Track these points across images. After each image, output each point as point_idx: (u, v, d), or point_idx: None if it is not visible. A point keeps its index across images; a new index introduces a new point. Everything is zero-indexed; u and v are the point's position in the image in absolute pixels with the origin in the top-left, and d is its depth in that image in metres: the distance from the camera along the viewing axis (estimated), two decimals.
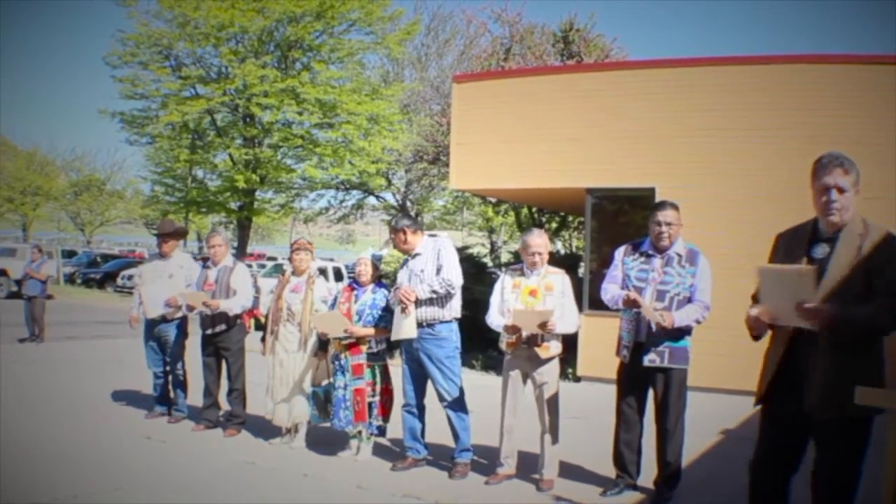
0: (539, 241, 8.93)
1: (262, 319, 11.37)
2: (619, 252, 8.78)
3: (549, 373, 8.86)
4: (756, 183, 15.48)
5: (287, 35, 36.38)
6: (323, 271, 13.00)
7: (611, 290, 8.57)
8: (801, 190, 14.71)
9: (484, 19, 36.87)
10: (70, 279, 50.23)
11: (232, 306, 11.26)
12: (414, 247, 9.59)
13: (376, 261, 10.32)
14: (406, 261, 9.70)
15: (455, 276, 9.29)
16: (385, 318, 9.71)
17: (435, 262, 9.36)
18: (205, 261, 12.25)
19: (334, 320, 9.86)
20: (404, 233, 9.59)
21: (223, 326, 11.26)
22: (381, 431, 10.05)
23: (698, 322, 8.27)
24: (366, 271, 10.06)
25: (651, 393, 8.52)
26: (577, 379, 16.45)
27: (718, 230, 15.13)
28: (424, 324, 9.28)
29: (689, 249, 8.44)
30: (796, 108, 15.40)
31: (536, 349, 8.71)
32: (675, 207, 8.49)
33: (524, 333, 8.67)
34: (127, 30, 37.12)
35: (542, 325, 8.47)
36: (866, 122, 14.90)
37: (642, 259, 8.49)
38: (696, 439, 10.23)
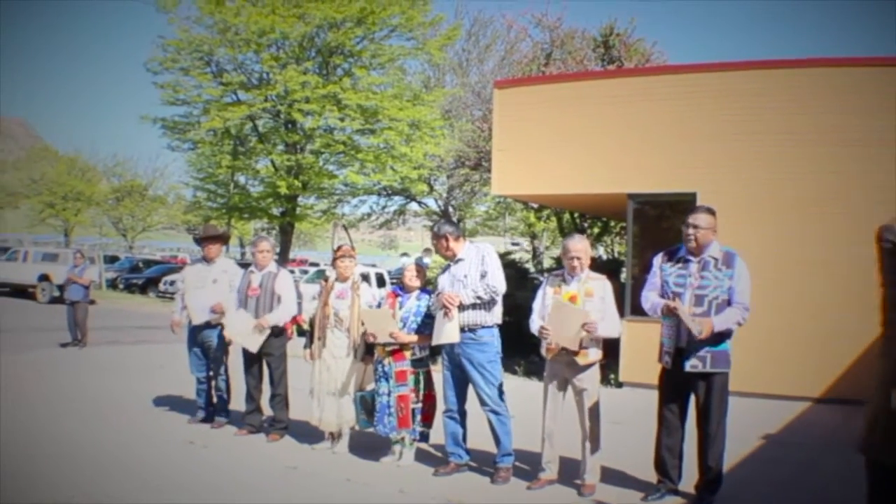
0: (579, 245, 8.95)
1: (305, 325, 11.36)
2: (658, 259, 8.80)
3: (588, 379, 8.89)
4: (800, 187, 15.49)
5: (328, 41, 36.25)
6: (365, 277, 13.03)
7: (650, 299, 8.59)
8: (848, 193, 14.80)
9: (524, 24, 36.74)
10: (112, 284, 50.44)
11: (281, 317, 11.34)
12: (456, 253, 9.59)
13: (423, 267, 10.37)
14: (448, 266, 9.70)
15: (500, 282, 9.31)
16: (429, 325, 9.69)
17: (479, 267, 9.35)
18: (247, 265, 12.27)
19: (383, 317, 9.92)
20: (446, 239, 9.58)
21: (266, 331, 11.27)
22: (424, 437, 10.09)
23: (739, 324, 8.24)
24: (417, 277, 10.12)
25: (692, 398, 8.51)
26: (620, 385, 16.43)
27: (761, 234, 15.11)
28: (467, 329, 9.28)
29: (726, 252, 8.42)
30: (844, 112, 15.41)
31: (575, 357, 8.74)
32: (708, 212, 8.49)
33: (555, 343, 8.72)
34: (167, 36, 37.06)
35: (584, 327, 8.52)
36: None
37: (679, 265, 8.50)
38: (738, 444, 10.19)
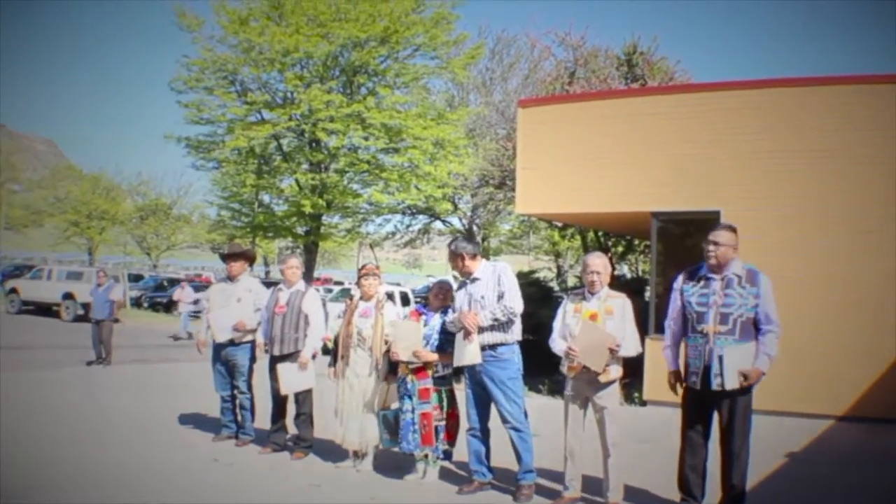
0: (598, 261, 9.00)
1: (330, 344, 11.34)
2: (678, 281, 8.82)
3: (608, 396, 8.87)
4: (824, 204, 15.54)
5: (352, 60, 36.27)
6: (390, 296, 12.98)
7: (668, 342, 8.84)
8: (872, 209, 14.72)
9: (548, 43, 36.70)
10: (136, 303, 50.47)
11: (314, 344, 11.39)
12: (472, 271, 9.57)
13: (448, 287, 10.36)
14: (464, 283, 9.68)
15: (517, 303, 9.30)
16: (451, 343, 9.64)
17: (496, 287, 9.34)
18: (271, 284, 12.23)
19: (411, 331, 9.93)
20: (462, 258, 9.56)
21: (291, 349, 11.26)
22: (448, 455, 10.04)
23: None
24: (444, 296, 10.13)
25: (716, 416, 8.47)
26: (643, 403, 16.38)
27: (785, 251, 15.09)
28: (487, 347, 9.28)
29: (749, 270, 8.37)
30: (873, 129, 15.41)
31: (597, 375, 8.71)
32: (730, 229, 8.48)
33: (579, 360, 8.69)
34: (192, 55, 37.52)
35: (610, 349, 8.55)
36: None
37: (702, 283, 8.48)
38: (761, 462, 10.15)
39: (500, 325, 9.29)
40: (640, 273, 33.44)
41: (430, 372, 9.85)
